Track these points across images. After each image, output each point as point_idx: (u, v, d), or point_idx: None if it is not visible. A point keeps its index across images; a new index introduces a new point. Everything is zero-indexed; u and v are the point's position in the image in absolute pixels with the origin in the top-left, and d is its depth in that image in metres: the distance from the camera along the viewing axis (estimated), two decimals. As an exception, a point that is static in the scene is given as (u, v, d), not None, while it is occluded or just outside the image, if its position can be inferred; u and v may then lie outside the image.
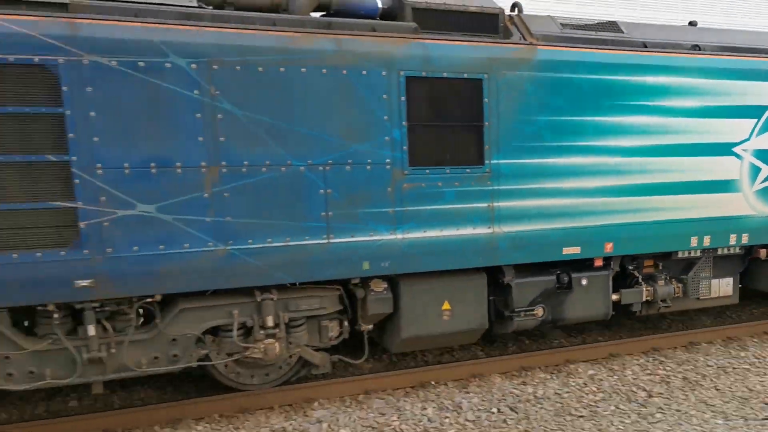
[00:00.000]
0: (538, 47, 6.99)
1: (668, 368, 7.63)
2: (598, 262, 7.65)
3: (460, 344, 7.98)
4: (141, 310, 5.98)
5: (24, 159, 5.27)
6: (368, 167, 6.36)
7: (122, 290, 5.66)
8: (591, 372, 7.49)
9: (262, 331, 6.25)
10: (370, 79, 6.28)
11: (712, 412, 6.61)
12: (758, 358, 7.96)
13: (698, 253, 8.29)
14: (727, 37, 8.34)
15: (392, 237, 6.48)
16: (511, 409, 6.57)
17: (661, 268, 8.24)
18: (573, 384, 7.16)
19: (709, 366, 7.72)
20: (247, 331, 6.32)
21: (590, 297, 7.66)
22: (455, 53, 6.60)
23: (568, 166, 7.19)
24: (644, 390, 7.07)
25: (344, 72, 6.18)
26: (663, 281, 8.17)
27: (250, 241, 5.96)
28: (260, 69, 5.89)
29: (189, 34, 5.67)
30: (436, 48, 6.53)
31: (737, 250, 8.50)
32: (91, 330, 5.72)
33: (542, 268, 7.43)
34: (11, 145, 5.23)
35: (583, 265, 7.58)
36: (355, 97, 6.25)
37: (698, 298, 8.43)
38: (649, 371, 7.55)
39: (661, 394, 7.00)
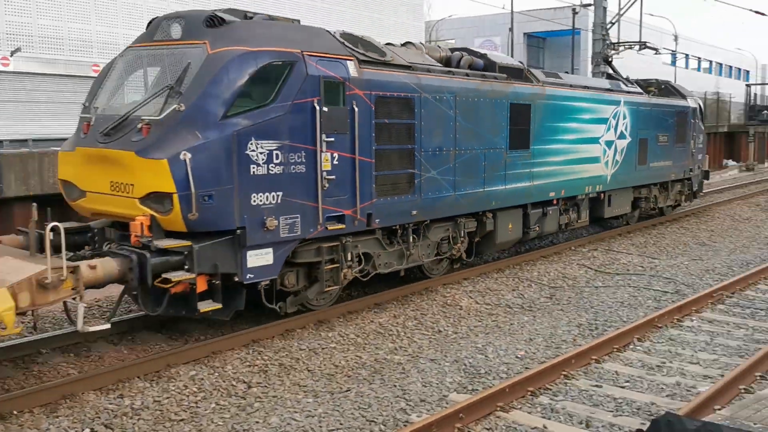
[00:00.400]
0: (546, 87, 13.02)
1: (266, 357, 7.96)
2: (555, 202, 13.58)
3: (507, 248, 13.52)
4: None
5: (400, 147, 9.74)
6: (497, 150, 11.67)
7: (425, 217, 10.32)
8: (192, 373, 7.43)
9: (460, 239, 11.34)
10: (500, 105, 11.68)
11: (304, 392, 7.12)
12: (342, 336, 8.76)
13: (583, 197, 14.59)
14: (591, 82, 15.78)
15: (502, 188, 11.84)
16: (106, 426, 6.22)
17: (567, 205, 14.19)
18: (173, 388, 7.03)
19: (302, 350, 8.26)
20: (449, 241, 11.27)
21: (552, 220, 13.61)
22: (525, 90, 12.38)
23: (553, 149, 13.25)
24: (244, 382, 7.28)
25: (493, 101, 11.50)
26: (572, 211, 14.36)
27: (461, 190, 10.89)
28: (469, 99, 10.97)
29: (451, 82, 10.69)
30: (519, 88, 12.23)
31: (594, 195, 15.03)
32: (411, 238, 10.30)
33: (535, 205, 13.04)
34: (396, 139, 9.64)
35: (547, 203, 13.36)
36: (495, 114, 11.59)
37: (578, 221, 14.69)
38: (248, 363, 7.78)
39: (259, 383, 7.29)
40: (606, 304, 10.63)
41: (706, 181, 21.55)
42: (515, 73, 12.37)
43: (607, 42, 23.04)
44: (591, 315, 10.03)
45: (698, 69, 63.51)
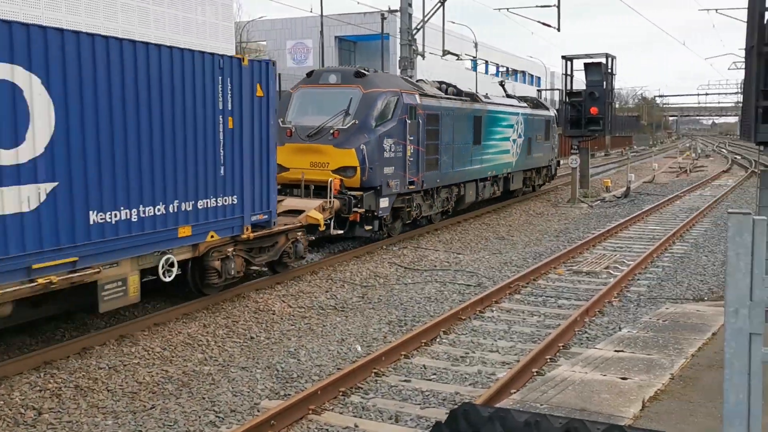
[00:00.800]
0: (487, 105, 20.19)
1: (60, 380, 7.32)
2: (489, 179, 20.41)
3: (467, 206, 19.98)
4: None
5: (433, 142, 16.50)
6: (468, 145, 18.50)
7: (441, 183, 17.26)
8: (-29, 403, 6.67)
9: (452, 199, 18.33)
10: (470, 117, 18.68)
11: (103, 414, 6.65)
12: (147, 351, 8.30)
13: (501, 176, 21.49)
14: (505, 100, 22.82)
15: (470, 168, 18.77)
16: None
17: (493, 181, 20.88)
18: (-53, 423, 6.27)
19: (101, 368, 7.70)
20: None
21: (487, 190, 20.40)
22: (479, 107, 19.45)
23: (491, 144, 20.12)
24: (34, 409, 6.65)
25: (466, 114, 18.47)
26: (495, 185, 21.14)
27: (455, 169, 17.75)
28: (458, 114, 17.89)
29: (450, 103, 17.76)
30: (476, 106, 19.33)
31: (505, 175, 21.97)
32: (434, 196, 17.18)
33: (481, 180, 19.74)
34: (432, 138, 16.47)
35: (485, 179, 20.12)
36: (468, 123, 18.54)
37: (497, 192, 21.52)
38: (39, 387, 7.12)
39: (52, 409, 6.71)
40: (415, 300, 11.02)
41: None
42: (472, 97, 19.61)
43: (502, 82, 26.34)
44: (401, 312, 10.35)
45: (497, 74, 68.19)
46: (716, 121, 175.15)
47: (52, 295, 7.98)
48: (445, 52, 28.13)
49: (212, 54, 9.53)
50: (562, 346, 8.66)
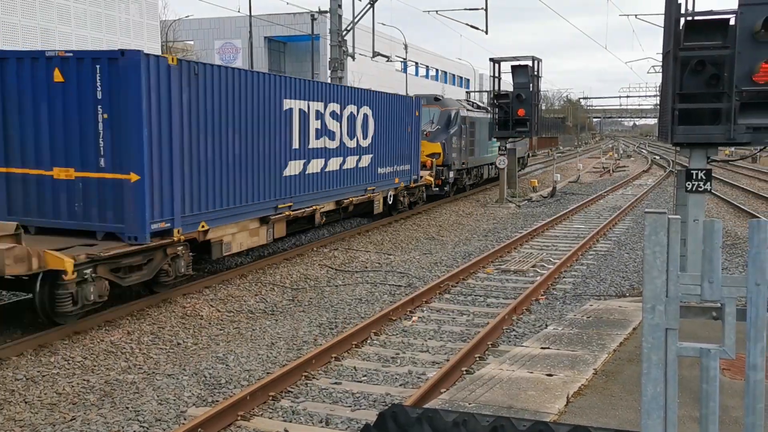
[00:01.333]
0: (493, 115, 26.65)
1: (-27, 393, 7.01)
2: (493, 164, 30.37)
3: (480, 182, 30.32)
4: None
5: (472, 138, 27.58)
6: (486, 140, 28.52)
7: (475, 165, 28.58)
8: None
9: (479, 175, 29.76)
10: (487, 123, 27.01)
11: (21, 427, 6.37)
12: (67, 360, 8.00)
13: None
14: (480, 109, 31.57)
15: (485, 156, 29.52)
16: None
17: (494, 165, 30.29)
18: None
19: (18, 380, 7.39)
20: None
21: (492, 170, 30.76)
22: (490, 116, 26.36)
23: (494, 140, 28.07)
24: (-57, 425, 6.31)
25: (485, 121, 27.76)
26: (491, 168, 31.02)
27: (481, 155, 29.02)
28: (483, 120, 28.11)
29: (480, 113, 28.71)
30: (489, 115, 27.18)
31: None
32: (471, 173, 28.45)
33: (489, 165, 30.50)
34: (470, 135, 27.15)
35: (489, 164, 30.37)
36: (486, 126, 27.14)
37: (493, 173, 31.25)
38: (-50, 402, 6.78)
39: (-35, 424, 6.36)
40: (345, 302, 10.99)
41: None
42: (486, 110, 28.61)
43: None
44: (331, 314, 10.30)
45: (426, 76, 68.85)
46: (637, 123, 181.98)
47: (353, 207, 16.84)
48: (375, 54, 28.24)
49: (406, 96, 20.38)
50: (491, 344, 8.79)
